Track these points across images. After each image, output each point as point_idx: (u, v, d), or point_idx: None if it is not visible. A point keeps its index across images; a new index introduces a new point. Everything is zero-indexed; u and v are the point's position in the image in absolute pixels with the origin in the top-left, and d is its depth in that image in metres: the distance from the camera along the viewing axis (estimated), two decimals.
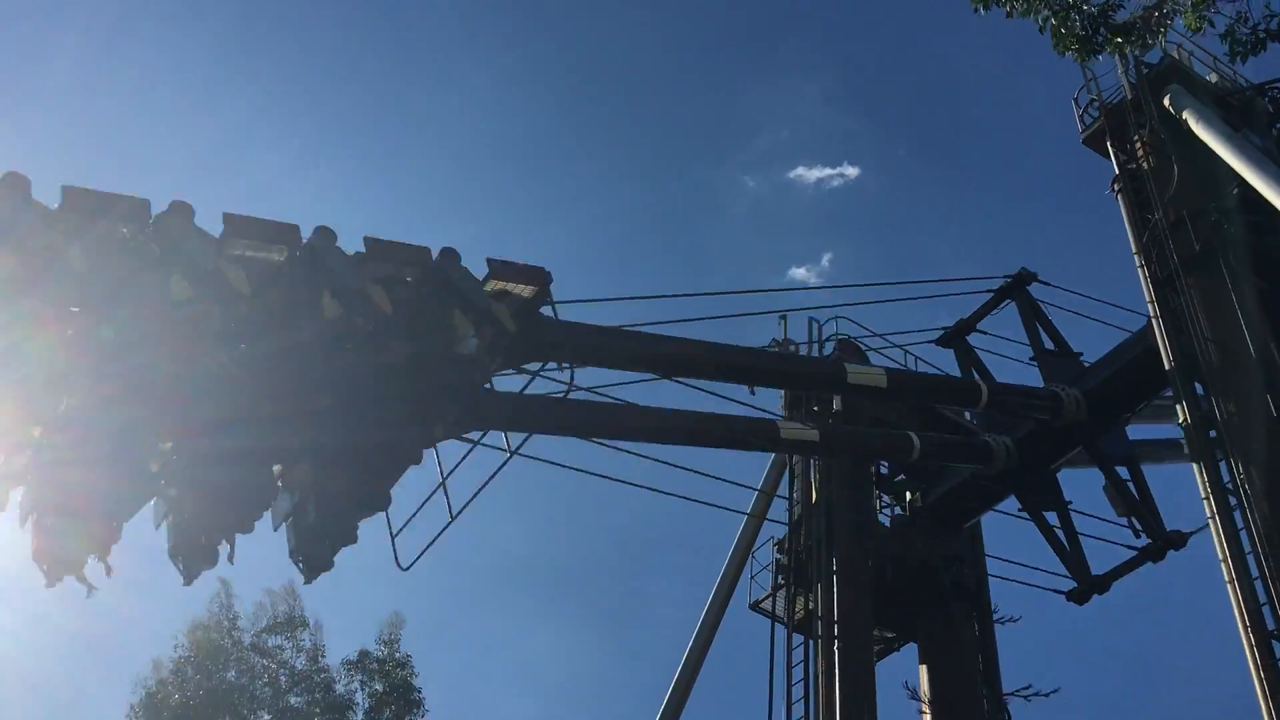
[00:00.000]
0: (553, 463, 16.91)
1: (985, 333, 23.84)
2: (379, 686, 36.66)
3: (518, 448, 14.93)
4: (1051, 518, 21.92)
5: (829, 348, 24.94)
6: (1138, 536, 20.88)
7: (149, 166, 57.60)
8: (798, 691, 20.64)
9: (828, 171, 65.34)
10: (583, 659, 62.25)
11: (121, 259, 10.73)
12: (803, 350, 25.17)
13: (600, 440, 16.91)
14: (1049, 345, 22.50)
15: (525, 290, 13.51)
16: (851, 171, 64.31)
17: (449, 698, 57.02)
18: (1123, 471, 21.36)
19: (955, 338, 23.81)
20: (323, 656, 36.70)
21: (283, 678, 35.39)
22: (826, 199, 65.90)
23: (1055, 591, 21.67)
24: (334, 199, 62.49)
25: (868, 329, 25.30)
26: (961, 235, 64.61)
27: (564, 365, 14.81)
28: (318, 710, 35.18)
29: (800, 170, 66.46)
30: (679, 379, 17.65)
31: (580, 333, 15.61)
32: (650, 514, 65.46)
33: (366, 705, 36.54)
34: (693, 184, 69.58)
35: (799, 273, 63.27)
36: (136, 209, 11.02)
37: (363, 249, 12.77)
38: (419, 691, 37.07)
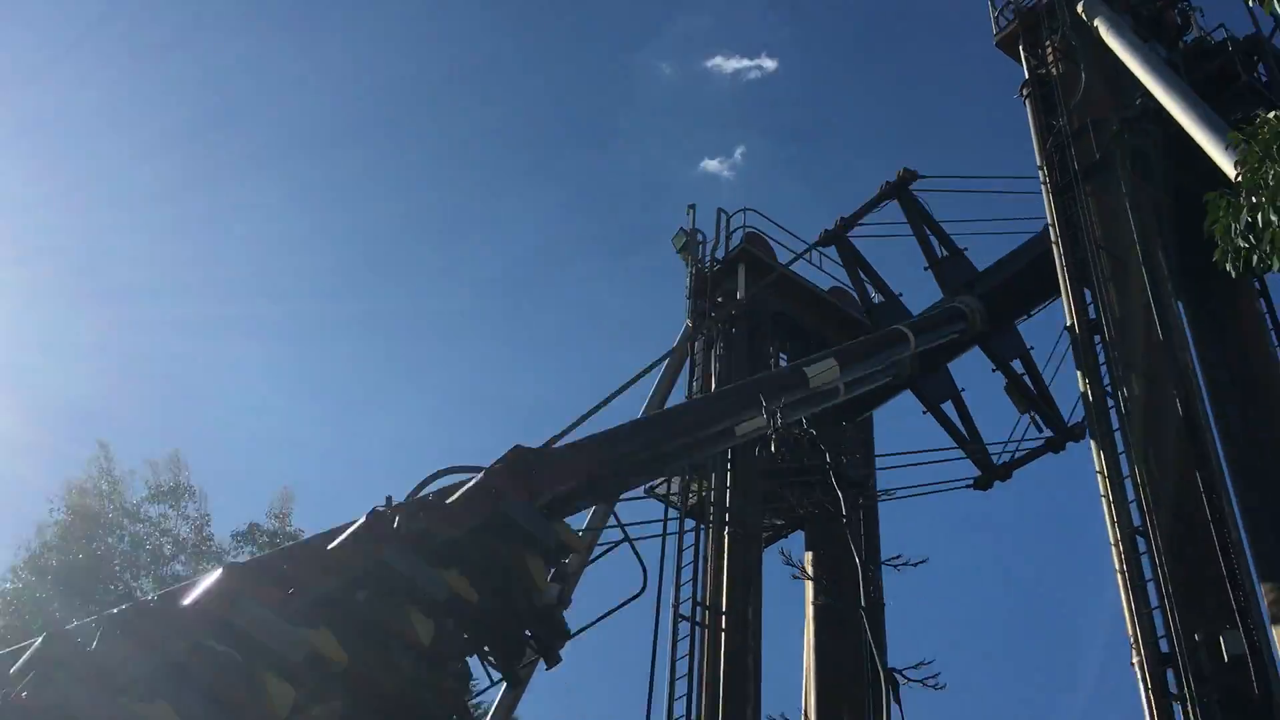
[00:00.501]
0: None
1: (871, 235, 24.04)
2: None
3: None
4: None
5: (736, 239, 25.09)
6: (1040, 431, 21.66)
7: None
8: (687, 573, 21.22)
9: (745, 63, 64.71)
10: None
11: None
12: (709, 244, 25.29)
13: None
14: (934, 240, 22.71)
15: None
16: (769, 64, 63.84)
17: None
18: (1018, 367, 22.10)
19: (837, 236, 23.91)
20: (208, 526, 36.59)
21: (167, 547, 35.16)
22: (743, 91, 65.43)
23: (956, 483, 22.41)
24: None
25: (776, 222, 25.48)
26: (875, 134, 64.84)
27: None
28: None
29: (718, 60, 65.77)
30: None
31: None
32: (554, 395, 65.59)
33: None
34: (608, 67, 68.50)
35: (711, 164, 63.05)
36: None
37: None
38: None
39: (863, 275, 23.25)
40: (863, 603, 13.31)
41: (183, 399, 56.60)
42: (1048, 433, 21.51)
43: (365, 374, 64.93)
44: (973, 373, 23.34)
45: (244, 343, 60.97)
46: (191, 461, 36.77)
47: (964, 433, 22.41)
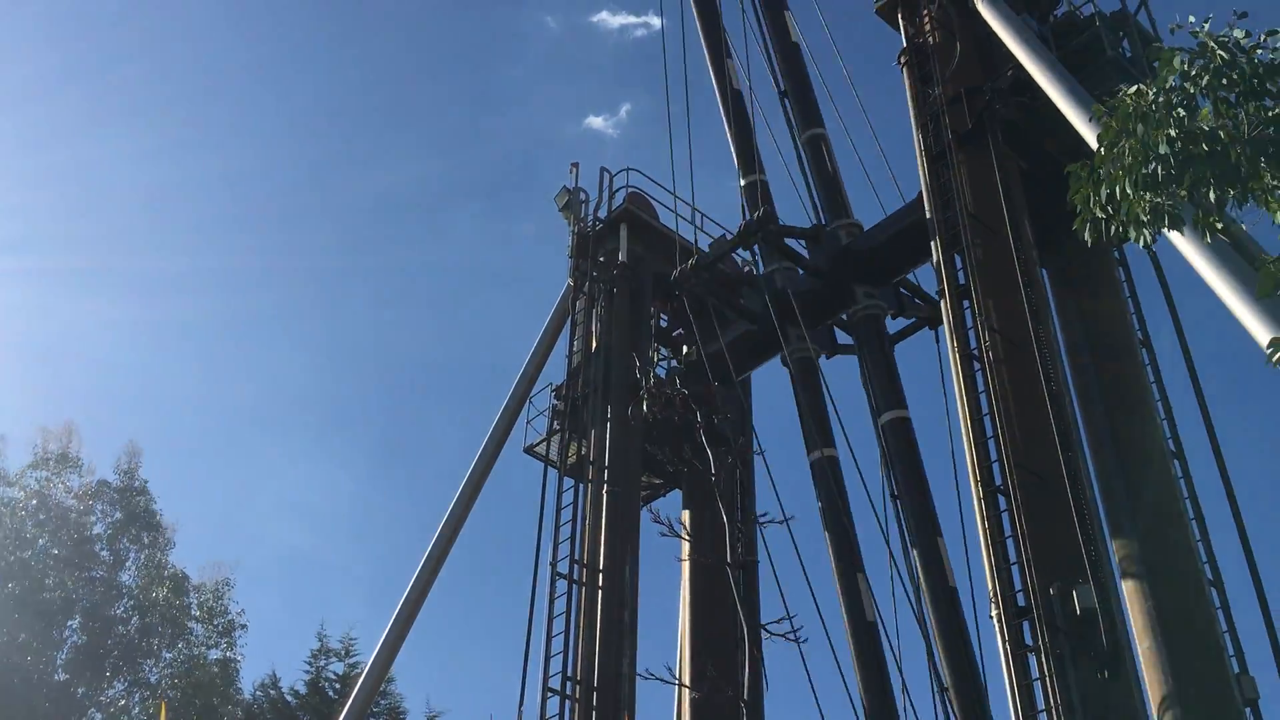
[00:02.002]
0: None
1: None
2: (119, 515, 36.15)
3: None
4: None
5: (619, 199, 25.05)
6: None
7: None
8: (565, 532, 21.31)
9: (631, 19, 64.39)
10: (356, 492, 62.16)
11: None
12: (592, 202, 25.19)
13: None
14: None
15: None
16: (656, 22, 63.54)
17: (208, 527, 56.14)
18: None
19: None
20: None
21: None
22: (630, 48, 65.13)
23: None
24: None
25: (659, 183, 25.48)
26: (761, 95, 65.10)
27: None
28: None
29: (604, 15, 65.30)
30: None
31: None
32: (434, 353, 64.90)
33: (106, 534, 36.08)
34: (491, 19, 67.43)
35: (596, 121, 62.71)
36: None
37: None
38: (159, 514, 36.85)
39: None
40: (728, 559, 13.53)
41: (36, 355, 54.48)
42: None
43: (231, 327, 63.22)
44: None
45: (98, 299, 58.85)
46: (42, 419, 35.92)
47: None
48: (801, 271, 22.97)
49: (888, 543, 19.00)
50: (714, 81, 26.71)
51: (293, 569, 59.51)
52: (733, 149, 25.24)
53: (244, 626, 36.05)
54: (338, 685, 33.90)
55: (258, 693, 34.80)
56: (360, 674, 23.97)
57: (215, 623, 35.70)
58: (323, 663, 35.01)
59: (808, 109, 24.45)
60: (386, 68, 66.83)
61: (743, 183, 24.70)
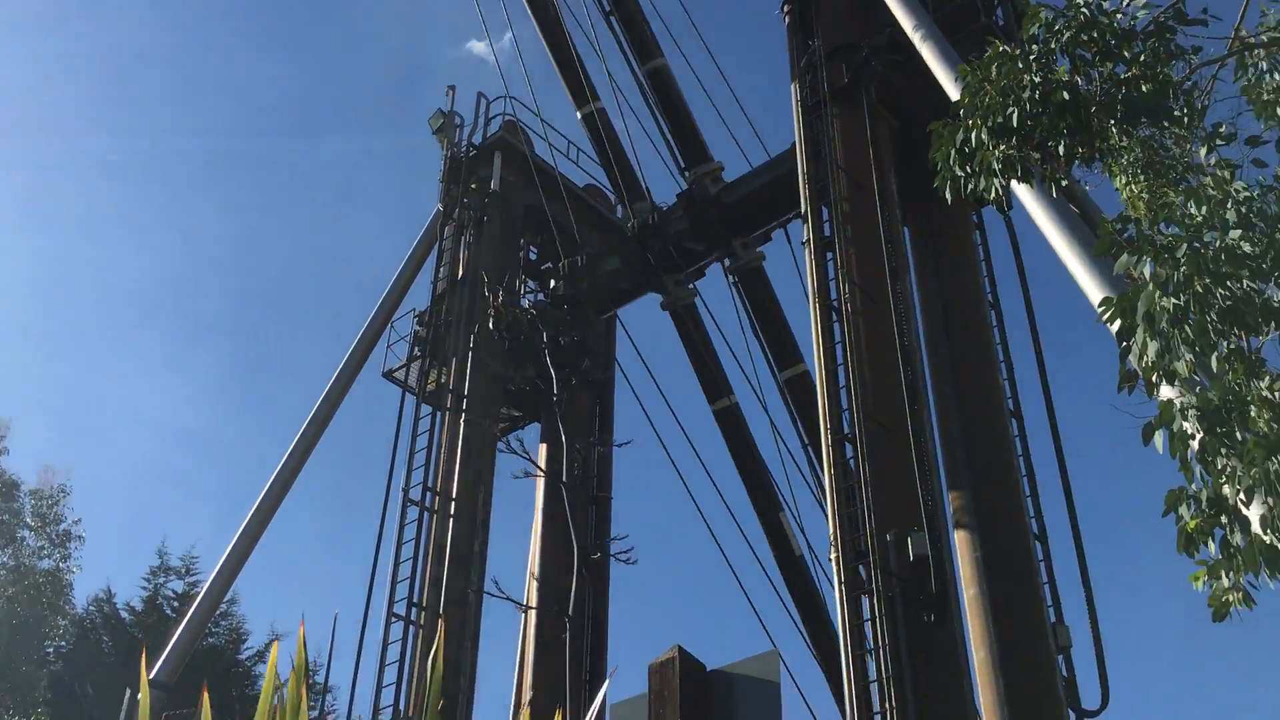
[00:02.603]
0: None
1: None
2: None
3: None
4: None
5: (495, 126, 24.71)
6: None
7: None
8: (420, 459, 21.16)
9: None
10: (207, 409, 60.46)
11: None
12: (468, 128, 24.79)
13: None
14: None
15: None
16: None
17: (45, 432, 54.03)
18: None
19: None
20: None
21: None
22: None
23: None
24: None
25: (537, 114, 25.20)
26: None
27: None
28: None
29: None
30: None
31: None
32: (296, 269, 63.18)
33: None
34: None
35: (479, 47, 61.50)
36: None
37: None
38: None
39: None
40: (564, 477, 13.67)
41: None
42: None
43: (83, 221, 60.39)
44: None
45: None
46: None
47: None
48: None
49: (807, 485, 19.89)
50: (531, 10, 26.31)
51: (136, 482, 57.67)
52: (562, 81, 24.83)
53: (80, 538, 34.89)
54: (176, 604, 33.18)
55: (90, 607, 33.84)
56: (199, 593, 23.44)
57: (48, 531, 34.41)
58: (161, 580, 34.21)
59: (644, 41, 24.05)
60: None
61: (580, 115, 24.42)
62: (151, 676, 19.15)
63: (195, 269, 62.13)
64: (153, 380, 59.53)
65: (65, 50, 60.29)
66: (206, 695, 3.00)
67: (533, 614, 18.72)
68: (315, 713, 30.20)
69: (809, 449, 20.16)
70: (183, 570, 34.47)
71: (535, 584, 19.80)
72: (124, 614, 33.54)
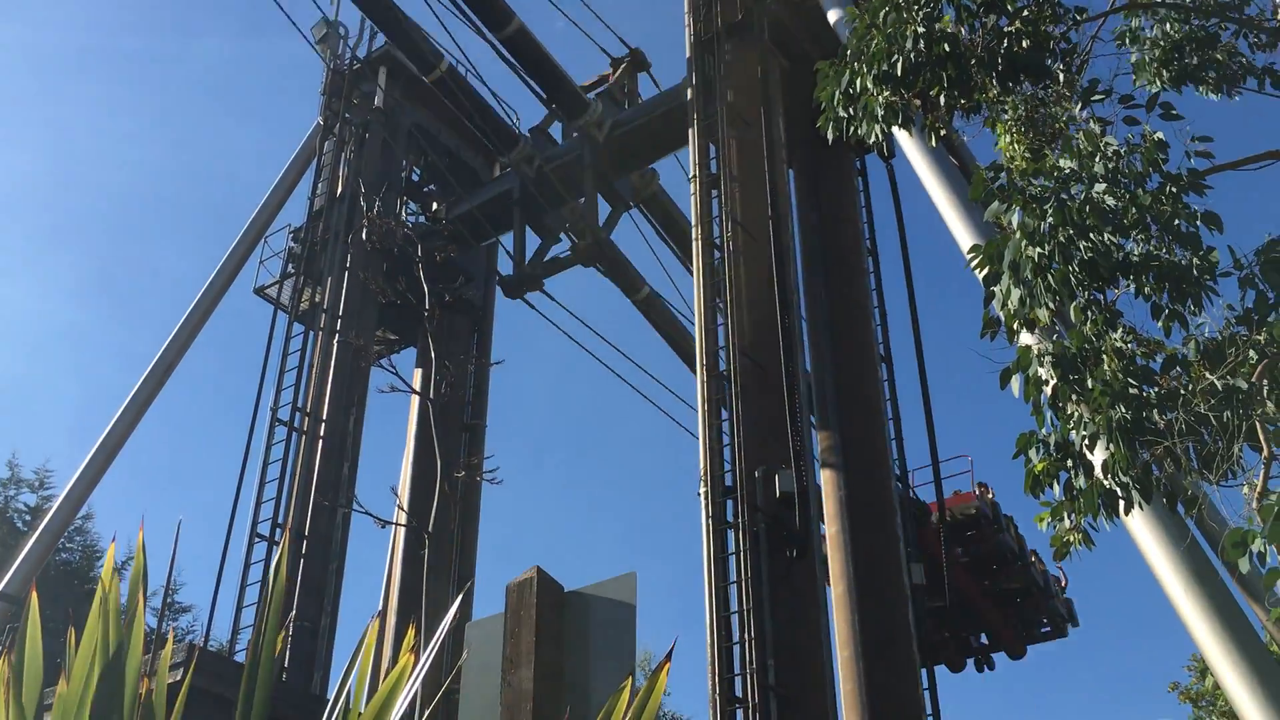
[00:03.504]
0: None
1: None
2: None
3: None
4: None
5: (381, 40, 23.99)
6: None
7: None
8: (291, 379, 20.73)
9: None
10: (68, 317, 58.11)
11: None
12: (352, 39, 24.05)
13: None
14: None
15: None
16: None
17: None
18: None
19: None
20: None
21: None
22: None
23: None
24: None
25: (425, 30, 24.49)
26: None
27: None
28: None
29: None
30: None
31: None
32: (166, 174, 60.71)
33: None
34: None
35: None
36: None
37: None
38: None
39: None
40: (431, 394, 13.55)
41: None
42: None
43: None
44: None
45: None
46: None
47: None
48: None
49: None
50: None
51: None
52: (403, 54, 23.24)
53: None
54: (28, 517, 32.06)
55: None
56: (52, 508, 22.67)
57: None
58: (12, 492, 32.98)
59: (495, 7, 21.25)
60: None
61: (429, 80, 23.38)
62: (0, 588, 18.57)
63: (61, 168, 59.30)
64: (12, 284, 56.86)
65: None
66: (35, 595, 2.88)
67: (401, 533, 18.63)
68: (169, 629, 29.61)
69: None
70: (36, 484, 33.31)
71: (405, 503, 19.69)
72: None
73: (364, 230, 19.94)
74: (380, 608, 20.15)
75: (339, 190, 22.58)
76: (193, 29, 61.81)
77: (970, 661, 21.75)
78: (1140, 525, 7.66)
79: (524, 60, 21.38)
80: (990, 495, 20.93)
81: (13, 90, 59.51)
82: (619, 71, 23.56)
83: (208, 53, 60.84)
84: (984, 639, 21.95)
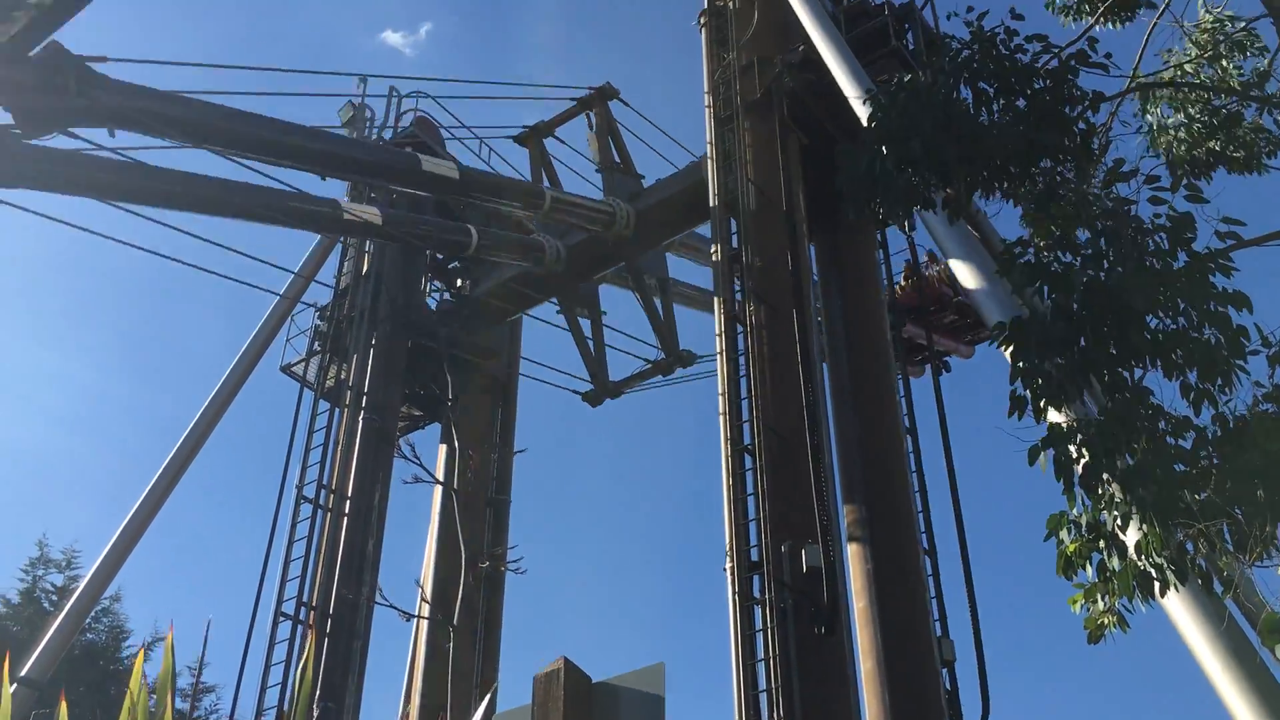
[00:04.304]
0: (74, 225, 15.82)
1: (562, 141, 24.41)
2: None
3: None
4: (586, 327, 23.35)
5: (406, 121, 24.42)
6: (660, 353, 22.76)
7: None
8: (316, 456, 20.78)
9: None
10: (95, 387, 58.47)
11: None
12: (378, 120, 24.46)
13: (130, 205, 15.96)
14: (618, 161, 23.39)
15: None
16: None
17: None
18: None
19: (532, 138, 24.09)
20: None
21: None
22: None
23: (574, 391, 23.21)
24: None
25: (449, 111, 25.00)
26: (564, 34, 64.66)
27: (108, 129, 13.67)
28: None
29: None
30: (237, 156, 16.74)
31: (126, 94, 14.48)
32: (194, 248, 61.16)
33: None
34: None
35: (394, 37, 60.76)
36: None
37: None
38: None
39: (545, 180, 23.44)
40: (455, 485, 13.56)
41: None
42: (659, 356, 22.74)
43: None
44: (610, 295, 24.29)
45: None
46: None
47: (592, 350, 23.18)
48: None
49: None
50: None
51: (14, 464, 55.34)
52: None
53: None
54: (55, 597, 32.04)
55: None
56: (79, 588, 22.68)
57: None
58: (40, 572, 33.01)
59: None
60: None
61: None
62: (22, 674, 18.48)
63: (88, 239, 59.97)
64: (40, 355, 57.38)
65: None
66: (64, 702, 2.90)
67: (424, 622, 18.52)
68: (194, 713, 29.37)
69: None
70: (63, 563, 33.32)
71: (428, 591, 19.61)
72: None
73: (392, 320, 20.15)
74: (404, 691, 19.99)
75: (364, 268, 22.83)
76: None
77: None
78: (1177, 606, 7.56)
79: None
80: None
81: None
82: (591, 106, 23.65)
83: None
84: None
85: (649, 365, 22.59)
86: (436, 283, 25.38)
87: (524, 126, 24.44)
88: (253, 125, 16.87)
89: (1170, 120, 7.69)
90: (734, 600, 15.44)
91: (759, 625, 15.03)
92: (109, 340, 58.66)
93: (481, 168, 24.38)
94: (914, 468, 18.04)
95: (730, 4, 20.66)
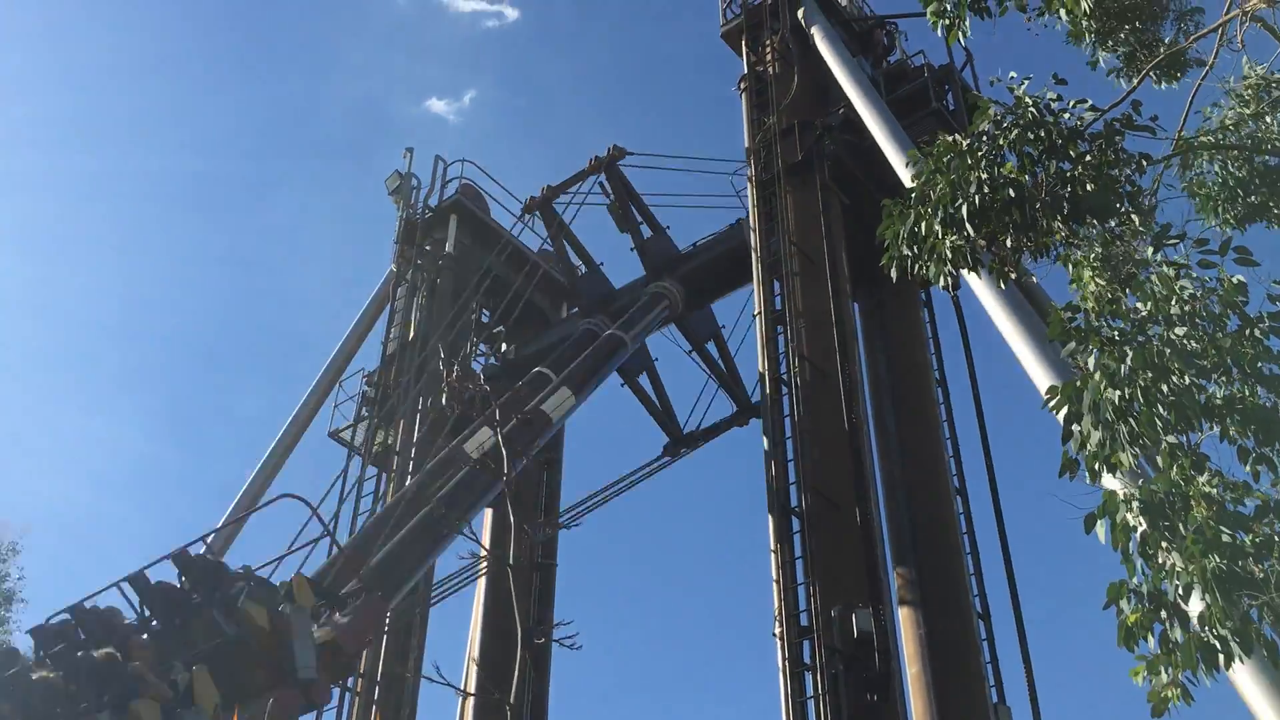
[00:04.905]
0: None
1: (575, 202, 24.33)
2: None
3: None
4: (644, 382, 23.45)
5: (451, 189, 24.78)
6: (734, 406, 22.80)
7: None
8: (362, 523, 20.84)
9: (486, 7, 63.82)
10: (148, 452, 59.12)
11: None
12: (424, 189, 24.85)
13: None
14: (638, 217, 23.28)
15: None
16: (511, 13, 63.13)
17: None
18: (712, 348, 23.22)
19: (543, 203, 24.00)
20: None
21: None
22: (481, 36, 64.46)
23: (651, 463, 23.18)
24: None
25: (493, 178, 25.33)
26: (606, 101, 65.50)
27: None
28: None
29: None
30: None
31: None
32: (245, 319, 62.22)
33: None
34: None
35: (438, 105, 61.77)
36: None
37: None
38: None
39: (566, 244, 23.57)
40: (510, 560, 13.47)
41: None
42: (733, 408, 22.71)
43: (24, 259, 59.11)
44: (663, 347, 24.28)
45: None
46: None
47: (657, 404, 23.24)
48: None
49: None
50: None
51: (60, 530, 55.82)
52: None
53: (24, 601, 33.58)
54: None
55: None
56: None
57: None
58: None
59: None
60: (219, 21, 64.13)
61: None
62: None
63: (139, 311, 61.02)
64: (88, 420, 58.21)
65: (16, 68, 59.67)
66: None
67: (471, 698, 18.40)
68: None
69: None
70: None
71: (474, 666, 19.50)
72: None
73: (444, 395, 20.21)
74: None
75: (410, 335, 23.06)
76: (268, 179, 64.27)
77: None
78: (1244, 677, 7.36)
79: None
80: None
81: (89, 234, 61.85)
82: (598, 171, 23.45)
83: (282, 205, 62.95)
84: None
85: (727, 417, 22.64)
86: (483, 346, 25.58)
87: (531, 197, 24.28)
88: None
89: (1211, 178, 7.62)
90: (784, 666, 15.22)
91: (810, 692, 14.80)
92: (158, 406, 59.46)
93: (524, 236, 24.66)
94: (964, 529, 17.79)
95: (770, 69, 20.87)
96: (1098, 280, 7.14)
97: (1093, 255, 7.27)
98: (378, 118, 63.23)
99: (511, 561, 10.72)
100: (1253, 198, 8.13)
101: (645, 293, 21.89)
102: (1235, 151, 8.14)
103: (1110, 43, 8.78)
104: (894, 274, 8.76)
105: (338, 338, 24.16)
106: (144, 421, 58.59)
